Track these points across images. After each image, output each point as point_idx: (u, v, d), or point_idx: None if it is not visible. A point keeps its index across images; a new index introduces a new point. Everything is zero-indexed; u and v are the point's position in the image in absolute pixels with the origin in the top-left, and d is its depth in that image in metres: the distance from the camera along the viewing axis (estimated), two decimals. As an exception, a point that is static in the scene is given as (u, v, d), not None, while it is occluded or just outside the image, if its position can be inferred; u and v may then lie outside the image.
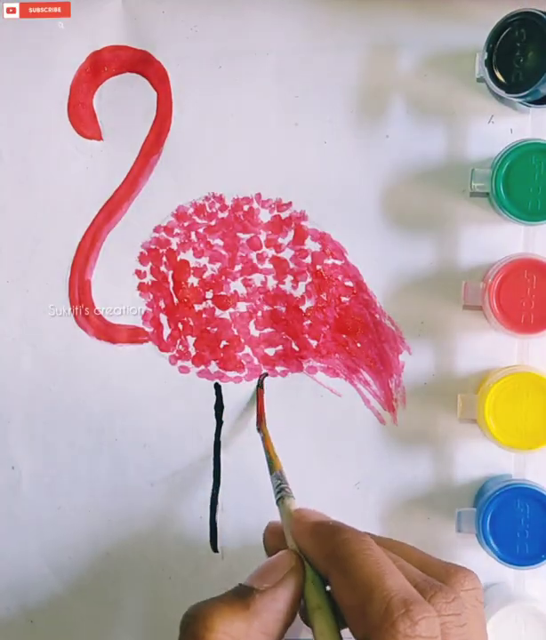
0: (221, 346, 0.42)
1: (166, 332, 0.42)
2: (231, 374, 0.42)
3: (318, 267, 0.42)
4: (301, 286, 0.42)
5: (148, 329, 0.42)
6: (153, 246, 0.42)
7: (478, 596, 0.27)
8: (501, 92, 0.38)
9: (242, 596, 0.25)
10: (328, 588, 0.27)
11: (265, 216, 0.42)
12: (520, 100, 0.39)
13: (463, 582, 0.26)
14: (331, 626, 0.24)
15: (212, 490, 0.42)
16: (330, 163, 0.41)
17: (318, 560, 0.27)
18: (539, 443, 0.38)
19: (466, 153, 0.41)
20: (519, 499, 0.38)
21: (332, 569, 0.26)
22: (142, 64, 0.42)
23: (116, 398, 0.42)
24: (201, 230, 0.42)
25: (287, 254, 0.42)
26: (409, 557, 0.28)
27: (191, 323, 0.42)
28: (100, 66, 0.42)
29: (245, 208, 0.42)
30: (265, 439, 0.39)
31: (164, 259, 0.42)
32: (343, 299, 0.42)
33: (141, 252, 0.42)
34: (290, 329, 0.42)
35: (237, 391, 0.42)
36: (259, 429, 0.41)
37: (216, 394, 0.42)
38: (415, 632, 0.22)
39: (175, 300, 0.42)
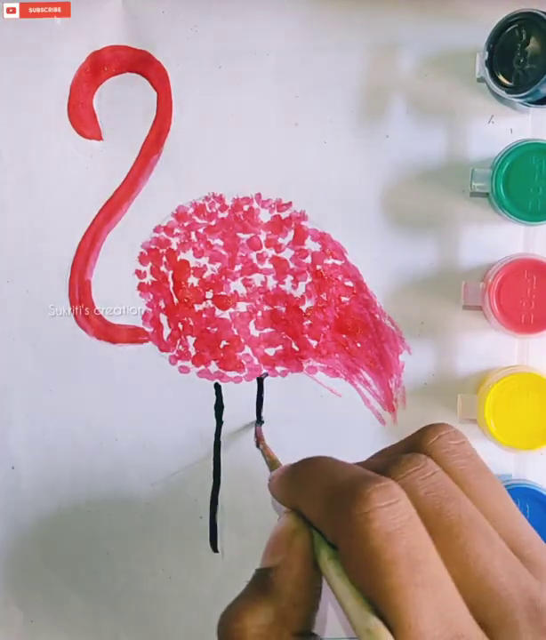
0: (221, 346, 0.42)
1: (166, 331, 0.42)
2: (231, 374, 0.42)
3: (318, 267, 0.42)
4: (301, 286, 0.42)
5: (148, 329, 0.42)
6: (153, 246, 0.42)
7: (451, 439, 0.25)
8: (502, 93, 0.38)
9: (259, 581, 0.24)
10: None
11: (265, 216, 0.42)
12: (520, 101, 0.39)
13: (424, 437, 0.25)
14: (342, 572, 0.22)
15: (212, 490, 0.42)
16: (330, 163, 0.41)
17: (288, 503, 0.25)
18: (539, 443, 0.38)
19: (466, 153, 0.41)
20: (519, 499, 0.38)
21: (295, 500, 0.24)
22: (142, 64, 0.42)
23: (116, 398, 0.42)
24: (201, 230, 0.42)
25: (287, 254, 0.42)
26: (385, 454, 0.27)
27: (191, 323, 0.42)
28: (100, 66, 0.42)
29: (245, 208, 0.42)
30: (264, 451, 0.40)
31: (164, 259, 0.42)
32: (343, 299, 0.42)
33: (141, 252, 0.42)
34: (290, 329, 0.42)
35: (237, 391, 0.42)
36: (257, 445, 0.41)
37: (216, 394, 0.42)
38: (370, 506, 0.21)
39: (175, 299, 0.42)
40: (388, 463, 0.23)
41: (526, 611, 0.20)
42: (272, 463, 0.37)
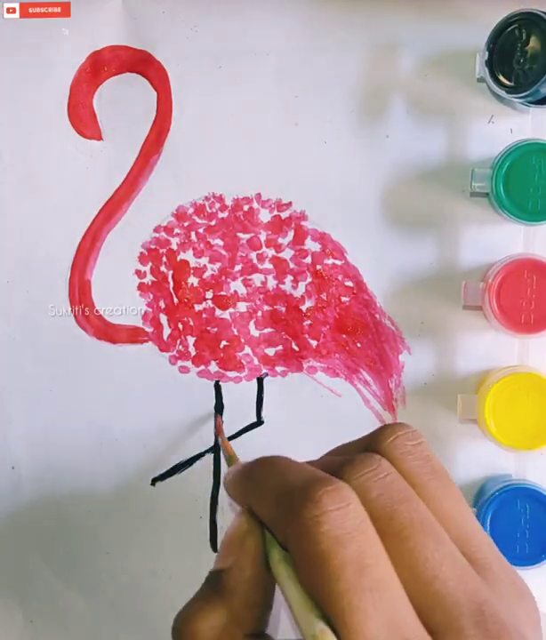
0: (221, 346, 0.42)
1: (166, 331, 0.42)
2: (231, 374, 0.42)
3: (318, 267, 0.42)
4: (301, 286, 0.42)
5: (148, 329, 0.42)
6: (153, 246, 0.42)
7: (409, 439, 0.24)
8: (502, 93, 0.38)
9: (212, 583, 0.25)
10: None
11: (265, 216, 0.42)
12: (520, 101, 0.39)
13: (381, 437, 0.25)
14: (292, 575, 0.22)
15: (212, 490, 0.42)
16: (330, 163, 0.41)
17: (241, 502, 0.25)
18: (539, 443, 0.38)
19: (466, 153, 0.41)
20: (519, 499, 0.38)
21: (248, 499, 0.24)
22: (142, 64, 0.42)
23: (116, 398, 0.42)
24: (201, 230, 0.42)
25: (287, 254, 0.42)
26: (341, 451, 0.27)
27: (191, 323, 0.42)
28: (100, 66, 0.42)
29: (245, 208, 0.42)
30: (222, 444, 0.39)
31: (164, 259, 0.42)
32: (343, 299, 0.42)
33: (141, 252, 0.42)
34: (290, 329, 0.42)
35: (237, 391, 0.42)
36: (216, 438, 0.41)
37: (216, 394, 0.42)
38: (320, 510, 0.21)
39: (175, 299, 0.42)
40: (342, 463, 0.23)
41: (473, 615, 0.20)
42: (230, 458, 0.36)
